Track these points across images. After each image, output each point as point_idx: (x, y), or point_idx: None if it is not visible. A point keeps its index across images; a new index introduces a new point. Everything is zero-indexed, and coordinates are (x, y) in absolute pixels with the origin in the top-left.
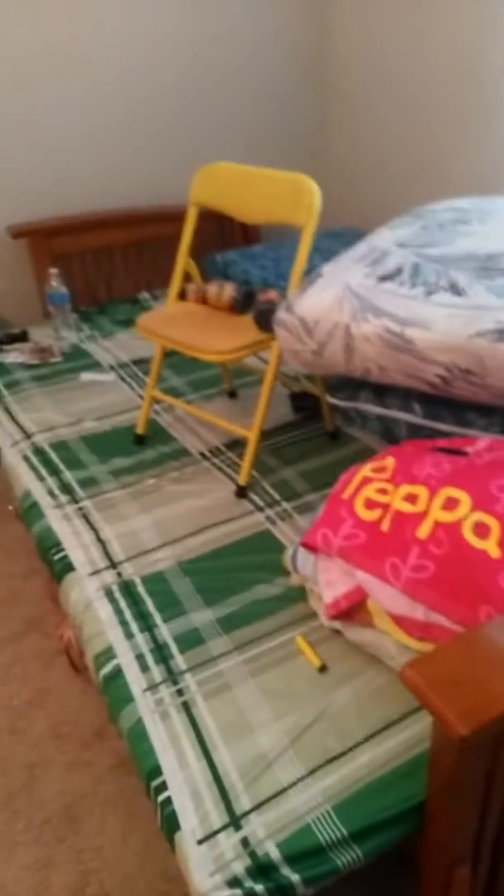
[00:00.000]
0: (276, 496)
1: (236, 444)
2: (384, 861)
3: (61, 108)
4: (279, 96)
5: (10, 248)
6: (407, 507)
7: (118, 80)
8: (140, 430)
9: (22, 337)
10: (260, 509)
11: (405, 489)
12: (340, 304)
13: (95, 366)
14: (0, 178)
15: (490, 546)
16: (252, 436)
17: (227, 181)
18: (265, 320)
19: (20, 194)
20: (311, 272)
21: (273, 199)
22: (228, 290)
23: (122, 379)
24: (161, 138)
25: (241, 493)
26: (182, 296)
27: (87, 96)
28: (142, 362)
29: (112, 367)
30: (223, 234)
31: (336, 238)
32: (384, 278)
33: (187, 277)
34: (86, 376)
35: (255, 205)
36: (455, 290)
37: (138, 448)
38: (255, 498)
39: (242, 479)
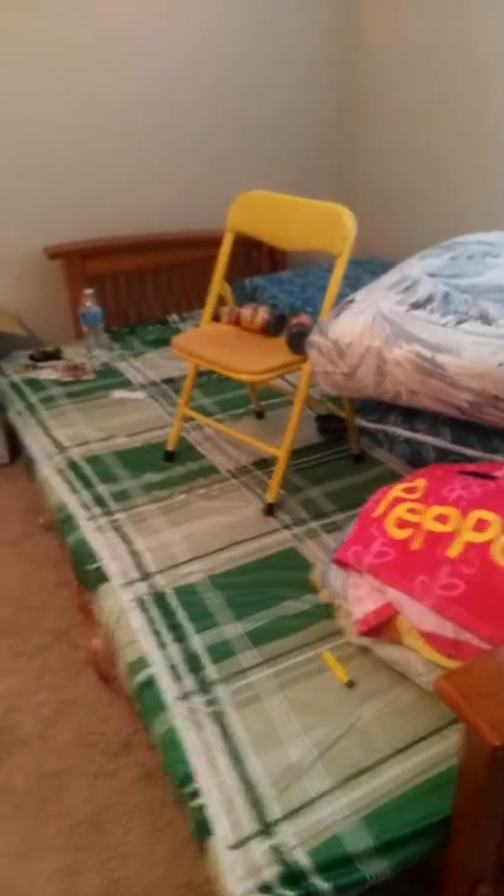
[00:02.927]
0: (303, 515)
1: (263, 463)
2: (405, 878)
3: (98, 135)
4: (309, 126)
5: (45, 269)
6: (438, 527)
7: (151, 109)
8: (170, 446)
9: (55, 355)
10: (287, 527)
11: (436, 510)
12: (373, 329)
13: (126, 384)
14: (38, 201)
15: None
16: (282, 454)
17: (264, 209)
18: (298, 342)
19: (57, 217)
20: (337, 300)
21: (309, 227)
22: (262, 313)
23: (153, 397)
24: (191, 165)
25: (269, 510)
26: (216, 317)
27: (122, 124)
28: (171, 381)
29: (143, 386)
30: (251, 260)
31: (360, 266)
32: (416, 306)
33: (221, 300)
34: (117, 394)
35: (291, 232)
36: (485, 319)
37: (168, 464)
38: (283, 516)
39: (270, 497)
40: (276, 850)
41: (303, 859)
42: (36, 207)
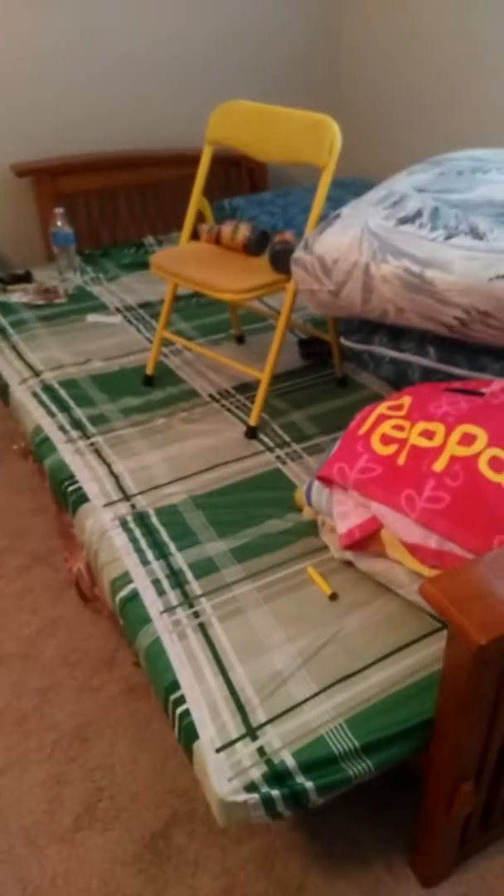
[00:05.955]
0: (286, 438)
1: (245, 388)
2: (385, 780)
3: (68, 47)
4: (293, 43)
5: (14, 188)
6: (423, 442)
7: (127, 21)
8: (149, 370)
9: (26, 277)
10: (270, 449)
11: (422, 426)
12: (360, 245)
13: (101, 308)
14: (5, 117)
15: None
16: (264, 377)
17: (245, 119)
18: (282, 260)
19: (25, 133)
20: (322, 219)
21: (293, 138)
22: (243, 231)
23: (129, 321)
24: (170, 81)
25: (252, 433)
26: (195, 235)
27: (95, 36)
28: (147, 305)
29: (118, 310)
30: (230, 180)
31: (344, 187)
32: (404, 220)
33: (200, 217)
34: (92, 318)
35: (275, 143)
36: (475, 233)
37: (147, 388)
38: (266, 439)
39: (253, 420)
40: (262, 752)
41: (288, 759)
42: (1, 123)
